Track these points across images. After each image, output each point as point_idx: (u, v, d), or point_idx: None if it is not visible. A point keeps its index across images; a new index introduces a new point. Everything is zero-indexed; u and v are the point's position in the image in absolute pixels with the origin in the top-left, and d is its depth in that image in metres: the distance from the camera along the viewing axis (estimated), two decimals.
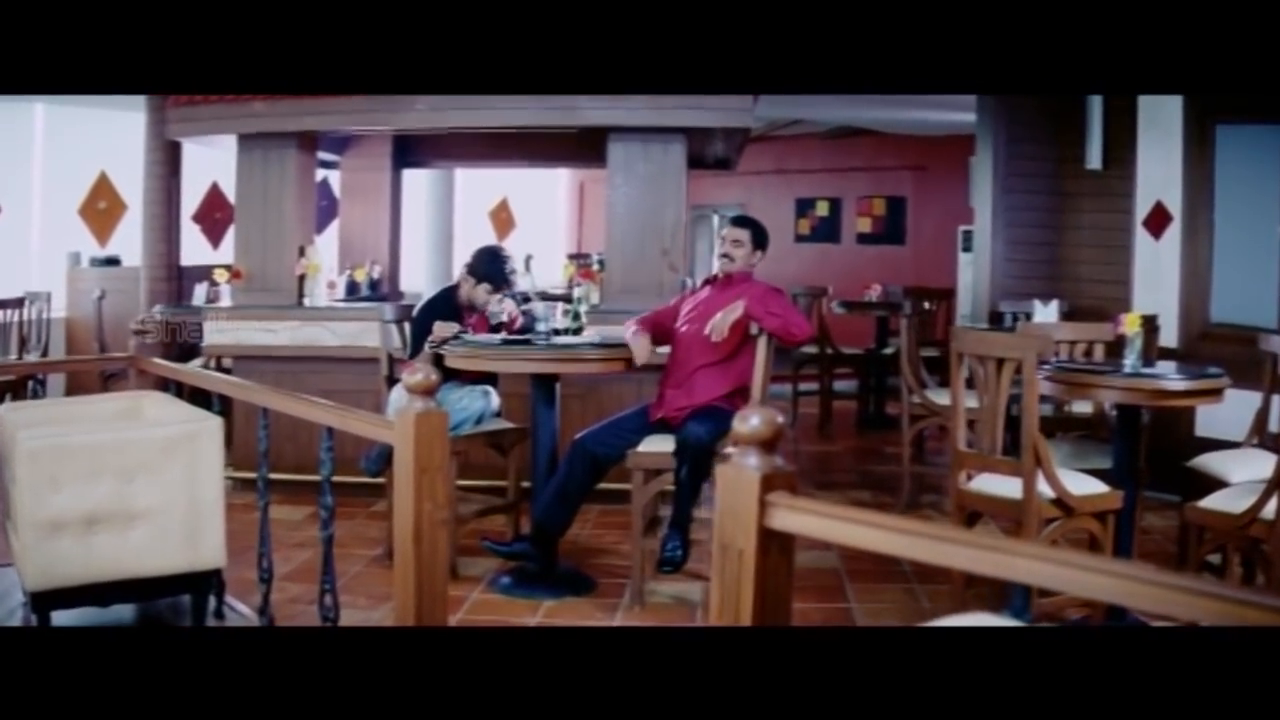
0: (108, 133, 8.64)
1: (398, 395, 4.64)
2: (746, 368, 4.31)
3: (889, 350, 8.88)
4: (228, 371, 6.51)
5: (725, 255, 4.51)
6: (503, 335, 4.50)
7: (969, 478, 4.15)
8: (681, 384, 4.36)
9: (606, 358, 4.30)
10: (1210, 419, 5.76)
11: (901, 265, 12.14)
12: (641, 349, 4.32)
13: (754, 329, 4.26)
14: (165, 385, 3.93)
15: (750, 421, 1.73)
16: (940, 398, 5.96)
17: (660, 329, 4.49)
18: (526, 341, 4.34)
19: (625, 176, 5.86)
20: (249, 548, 4.89)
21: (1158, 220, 6.69)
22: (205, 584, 3.32)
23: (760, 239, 4.55)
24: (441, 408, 2.31)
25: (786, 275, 11.19)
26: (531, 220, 13.28)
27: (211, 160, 8.37)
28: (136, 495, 3.10)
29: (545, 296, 5.50)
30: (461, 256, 9.79)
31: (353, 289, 7.81)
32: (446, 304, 4.82)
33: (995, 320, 7.01)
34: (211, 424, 3.29)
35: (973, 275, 7.65)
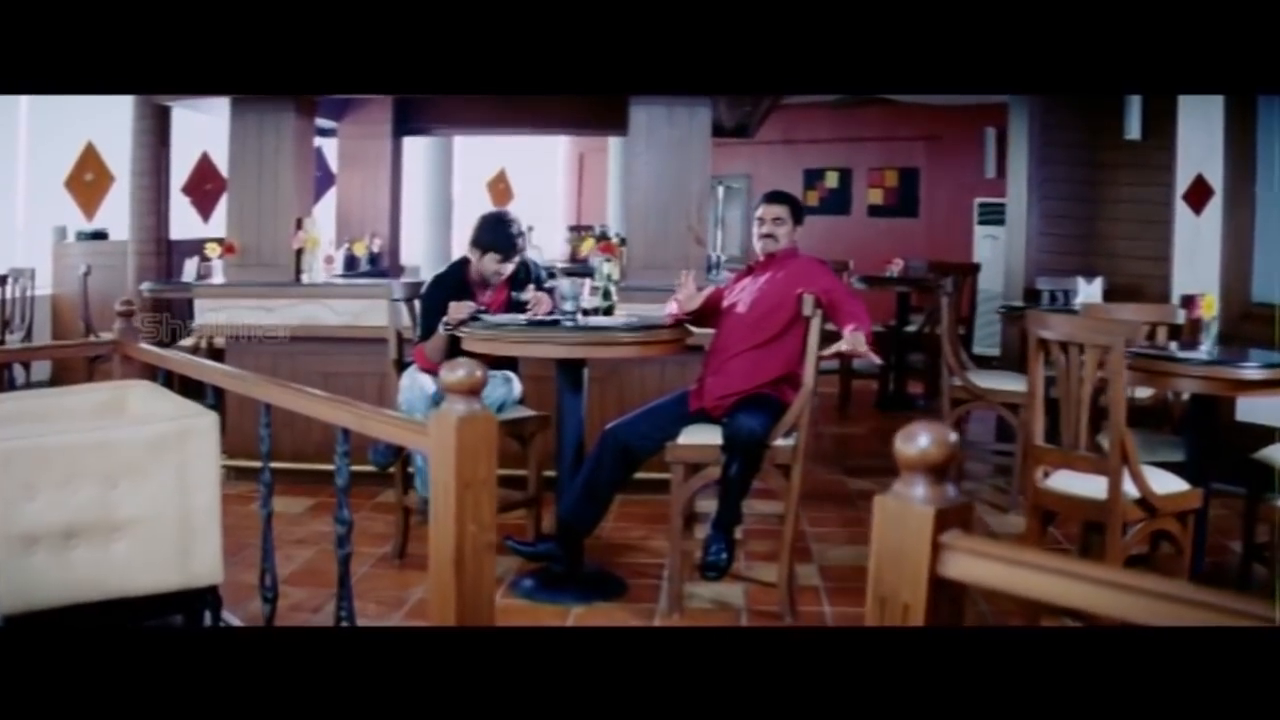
0: (94, 101, 8.19)
1: (409, 382, 4.23)
2: (794, 352, 3.92)
3: (911, 327, 8.53)
4: (219, 352, 6.11)
5: (768, 235, 4.12)
6: (527, 315, 4.08)
7: (1045, 475, 3.78)
8: (724, 371, 3.96)
9: (643, 341, 3.88)
10: (1249, 404, 5.42)
11: (914, 238, 11.71)
12: (687, 292, 3.98)
13: (807, 309, 3.87)
14: (154, 373, 3.52)
15: (917, 441, 1.34)
16: (983, 380, 5.60)
17: (706, 308, 4.09)
18: (554, 323, 3.92)
19: (648, 143, 5.45)
20: (245, 546, 4.49)
21: (1198, 194, 6.33)
22: (199, 603, 2.91)
23: (800, 213, 4.22)
24: (488, 409, 1.91)
25: None
26: (530, 192, 12.90)
27: (202, 129, 7.96)
28: (120, 503, 2.69)
29: (570, 272, 5.09)
30: (461, 229, 9.47)
31: (351, 264, 7.39)
32: (458, 280, 4.40)
33: (1031, 298, 6.63)
34: (205, 421, 2.87)
35: (1005, 250, 7.26)
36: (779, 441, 3.81)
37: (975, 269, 8.71)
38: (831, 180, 12.87)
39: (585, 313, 3.95)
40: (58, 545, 2.65)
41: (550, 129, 8.88)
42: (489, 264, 4.33)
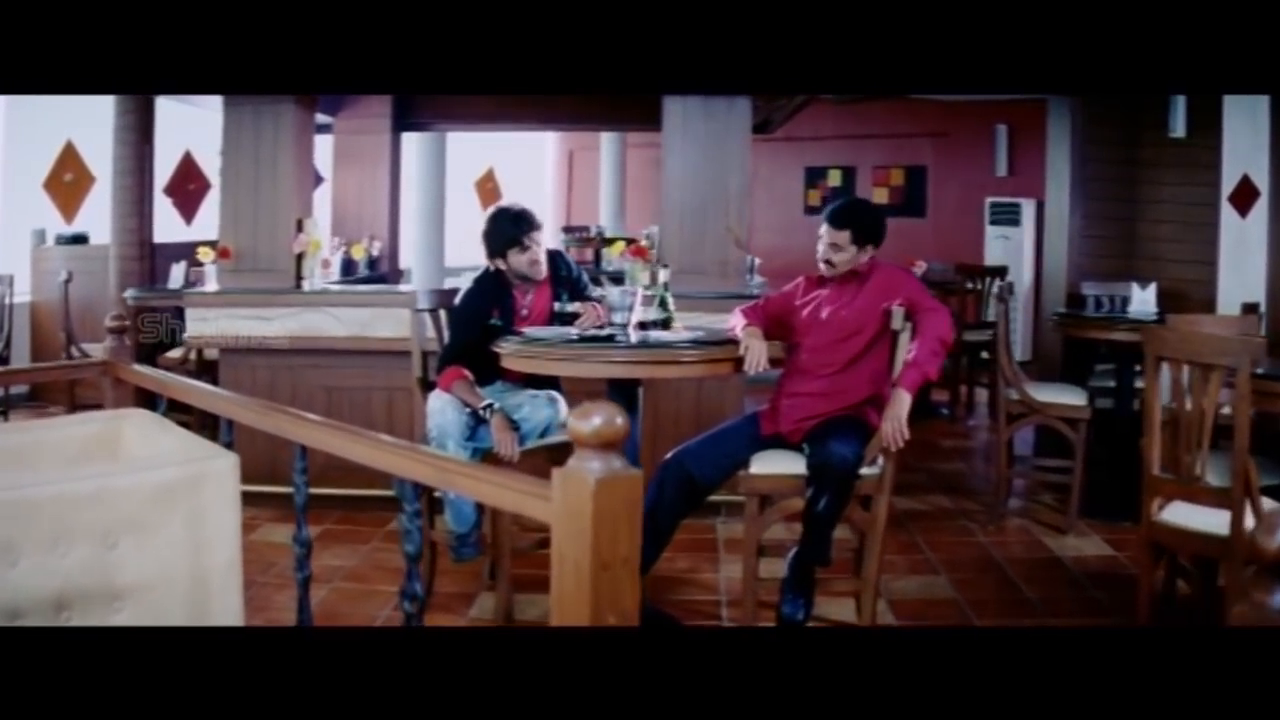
0: (74, 97, 7.67)
1: (439, 405, 3.73)
2: (881, 370, 3.48)
3: None
4: (209, 364, 5.64)
5: (826, 261, 3.62)
6: (577, 329, 3.61)
7: (1160, 507, 3.38)
8: (805, 392, 3.51)
9: (711, 359, 3.42)
10: None
11: (921, 239, 11.28)
12: (756, 354, 3.43)
13: (896, 323, 3.43)
14: (150, 398, 3.01)
15: None
16: (1040, 393, 5.18)
17: (773, 322, 3.62)
18: (609, 338, 3.45)
19: (683, 139, 5.04)
20: (250, 584, 3.99)
21: (1244, 195, 5.94)
22: None
23: (866, 233, 3.60)
24: (631, 467, 1.45)
25: (796, 250, 10.32)
26: (518, 191, 12.47)
27: (185, 125, 7.47)
28: (121, 565, 2.21)
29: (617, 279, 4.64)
30: (453, 230, 9.02)
31: (348, 268, 6.92)
32: (495, 286, 3.92)
33: (1075, 304, 6.23)
34: (221, 464, 2.39)
35: (1046, 253, 6.85)
36: (862, 470, 3.38)
37: (1003, 271, 8.29)
38: (834, 179, 12.46)
39: (643, 325, 3.48)
40: (47, 618, 2.17)
41: (559, 124, 8.43)
42: (518, 261, 3.86)
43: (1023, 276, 10.09)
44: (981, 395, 8.31)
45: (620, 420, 1.44)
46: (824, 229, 3.64)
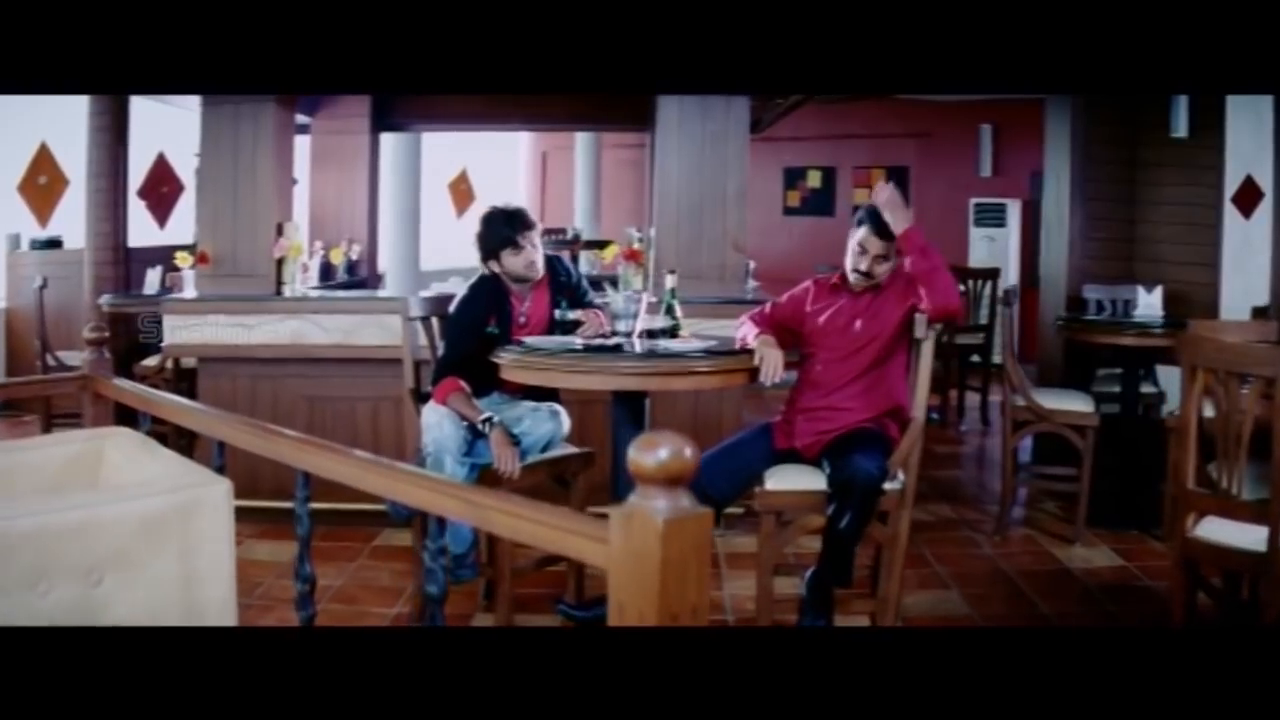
0: (48, 98, 7.42)
1: (435, 419, 3.53)
2: (899, 382, 3.34)
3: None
4: (190, 373, 5.43)
5: (863, 272, 3.42)
6: (581, 338, 3.43)
7: (1195, 523, 3.24)
8: (820, 406, 3.35)
9: (726, 369, 3.25)
10: None
11: None
12: (772, 362, 3.26)
13: (919, 331, 3.29)
14: (130, 411, 2.81)
15: None
16: (1047, 400, 5.05)
17: (782, 329, 3.45)
18: (615, 348, 3.27)
19: (679, 139, 4.89)
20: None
21: (1247, 196, 5.85)
22: None
23: None
24: (699, 505, 1.28)
25: (775, 252, 10.22)
26: (492, 193, 12.23)
27: (159, 126, 7.23)
28: (107, 604, 2.02)
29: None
30: (429, 234, 8.81)
31: (326, 273, 6.70)
32: (493, 292, 3.74)
33: (1075, 307, 6.11)
34: (215, 490, 2.19)
35: (1044, 255, 6.73)
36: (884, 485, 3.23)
37: (994, 273, 8.19)
38: (814, 180, 12.34)
39: (649, 334, 3.30)
40: None
41: (540, 123, 8.26)
42: (513, 263, 3.68)
43: (1009, 278, 10.01)
44: (972, 399, 8.18)
45: (689, 452, 1.27)
46: (863, 236, 3.44)
